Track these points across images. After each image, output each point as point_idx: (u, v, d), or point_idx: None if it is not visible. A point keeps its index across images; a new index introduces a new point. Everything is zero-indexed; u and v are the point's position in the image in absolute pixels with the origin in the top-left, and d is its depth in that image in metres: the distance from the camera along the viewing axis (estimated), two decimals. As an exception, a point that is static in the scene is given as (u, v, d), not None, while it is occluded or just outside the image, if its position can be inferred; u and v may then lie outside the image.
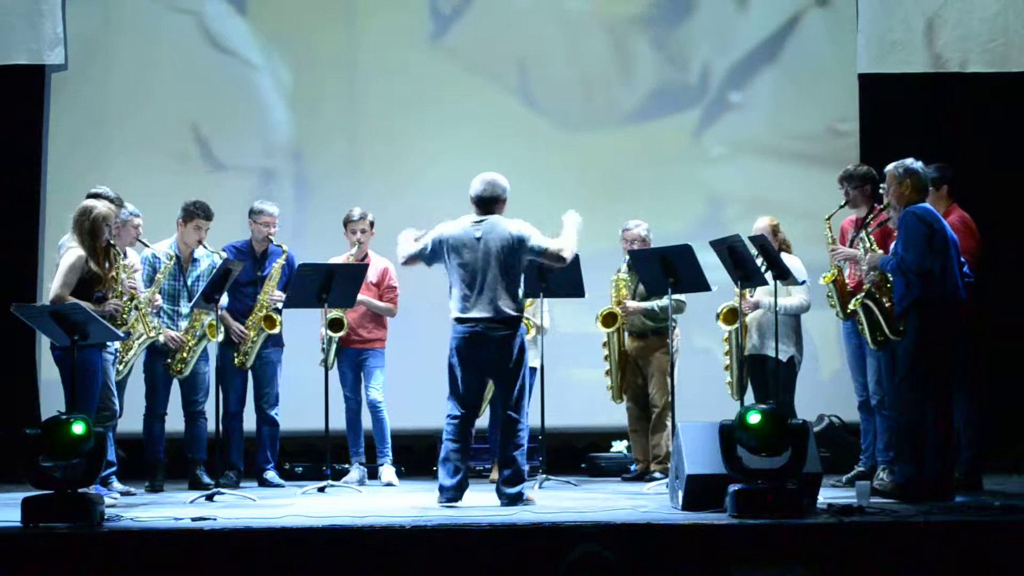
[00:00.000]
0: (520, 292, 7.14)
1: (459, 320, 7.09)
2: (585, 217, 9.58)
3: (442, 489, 7.08)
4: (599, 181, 9.88)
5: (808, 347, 8.50)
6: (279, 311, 8.54)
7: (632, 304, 8.59)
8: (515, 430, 7.11)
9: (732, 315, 8.21)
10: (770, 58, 10.04)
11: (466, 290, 7.06)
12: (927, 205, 7.15)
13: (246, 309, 8.55)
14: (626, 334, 8.72)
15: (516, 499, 7.02)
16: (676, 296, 8.20)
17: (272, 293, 8.50)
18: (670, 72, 10.06)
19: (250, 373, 8.63)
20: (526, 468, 7.18)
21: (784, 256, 8.13)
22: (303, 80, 10.05)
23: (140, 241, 8.19)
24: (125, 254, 7.74)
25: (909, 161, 7.17)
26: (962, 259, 7.20)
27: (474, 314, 7.04)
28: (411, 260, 7.34)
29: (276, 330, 8.53)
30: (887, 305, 7.35)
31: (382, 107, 9.96)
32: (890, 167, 7.21)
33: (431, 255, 7.20)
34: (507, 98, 9.97)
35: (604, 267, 8.77)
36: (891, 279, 7.29)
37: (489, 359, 7.08)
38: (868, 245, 7.46)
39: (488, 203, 7.17)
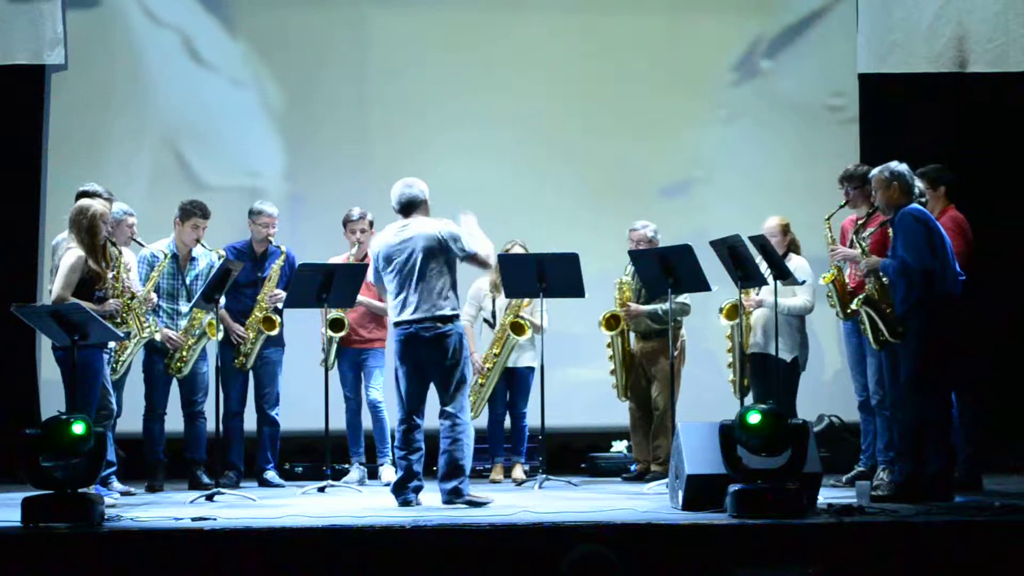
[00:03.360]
0: (453, 289, 7.13)
1: (396, 324, 7.14)
2: (590, 217, 9.68)
3: (393, 494, 7.14)
4: (604, 181, 9.88)
5: (809, 347, 8.48)
6: (279, 311, 8.54)
7: (636, 307, 8.58)
8: (452, 425, 7.08)
9: (735, 311, 8.19)
10: (774, 60, 10.07)
11: (399, 293, 7.10)
12: (918, 206, 7.14)
13: (246, 310, 8.55)
14: (631, 335, 8.71)
15: (453, 494, 6.99)
16: (680, 298, 8.19)
17: (272, 293, 8.50)
18: (673, 72, 10.06)
19: (251, 373, 8.63)
20: (467, 463, 7.09)
21: (792, 256, 8.14)
22: (308, 84, 10.04)
23: (135, 240, 8.18)
24: (120, 252, 7.72)
25: (894, 164, 7.16)
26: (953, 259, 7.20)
27: (407, 316, 7.07)
28: (378, 287, 7.37)
29: (275, 332, 8.53)
30: (887, 310, 7.33)
31: (387, 108, 9.96)
32: (875, 172, 7.21)
33: (376, 275, 7.26)
34: (511, 97, 9.96)
35: (610, 268, 8.76)
36: (886, 282, 7.28)
37: (425, 359, 7.09)
38: (862, 251, 7.43)
39: (408, 208, 7.20)
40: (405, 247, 7.10)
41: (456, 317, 7.13)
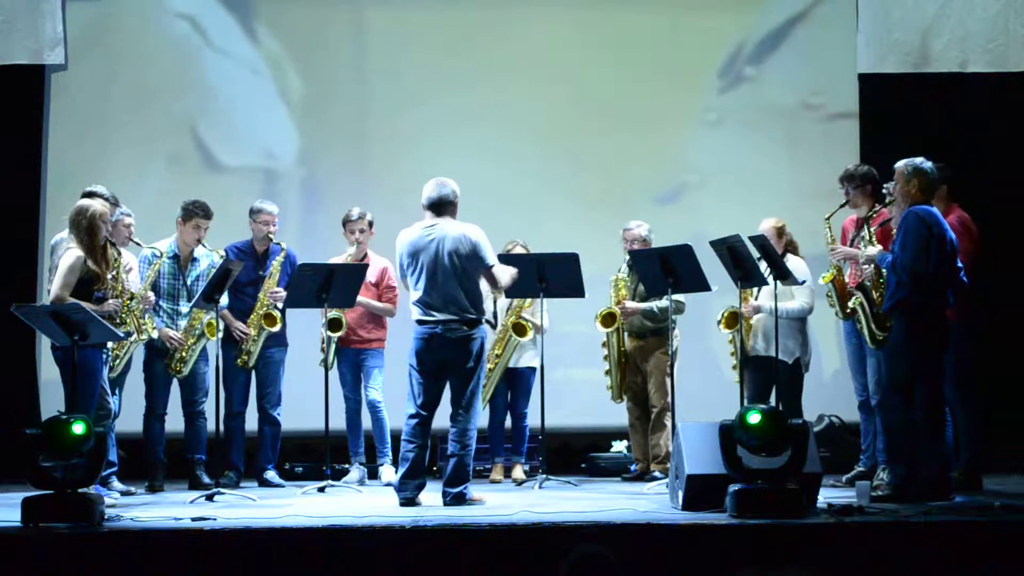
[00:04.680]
0: (479, 293, 7.18)
1: (420, 322, 7.15)
2: (589, 215, 9.68)
3: (397, 489, 7.14)
4: (604, 181, 9.88)
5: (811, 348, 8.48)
6: (280, 309, 8.54)
7: (631, 304, 8.59)
8: (463, 430, 7.13)
9: (733, 319, 8.19)
10: (773, 59, 10.06)
11: (425, 292, 7.11)
12: (930, 207, 7.13)
13: (247, 309, 8.55)
14: (625, 334, 8.72)
15: (459, 499, 7.05)
16: (675, 297, 8.19)
17: (272, 291, 8.50)
18: (673, 71, 10.06)
19: (253, 372, 8.63)
20: (471, 468, 7.20)
21: (790, 257, 8.13)
22: (308, 82, 10.04)
23: (133, 241, 8.18)
24: (119, 253, 7.72)
25: (919, 160, 7.15)
26: (959, 264, 7.18)
27: (433, 316, 7.08)
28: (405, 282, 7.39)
29: (277, 328, 8.52)
30: (877, 301, 7.36)
31: (387, 107, 9.96)
32: (899, 164, 7.19)
33: (402, 271, 7.27)
34: (510, 96, 9.95)
35: (609, 268, 8.75)
36: (885, 276, 7.30)
37: (446, 360, 7.11)
38: (868, 239, 7.45)
39: (440, 206, 7.22)
40: (432, 245, 7.11)
41: (480, 322, 7.16)
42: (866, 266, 7.47)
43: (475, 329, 7.12)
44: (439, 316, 7.07)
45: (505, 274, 7.27)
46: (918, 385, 7.00)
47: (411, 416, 7.16)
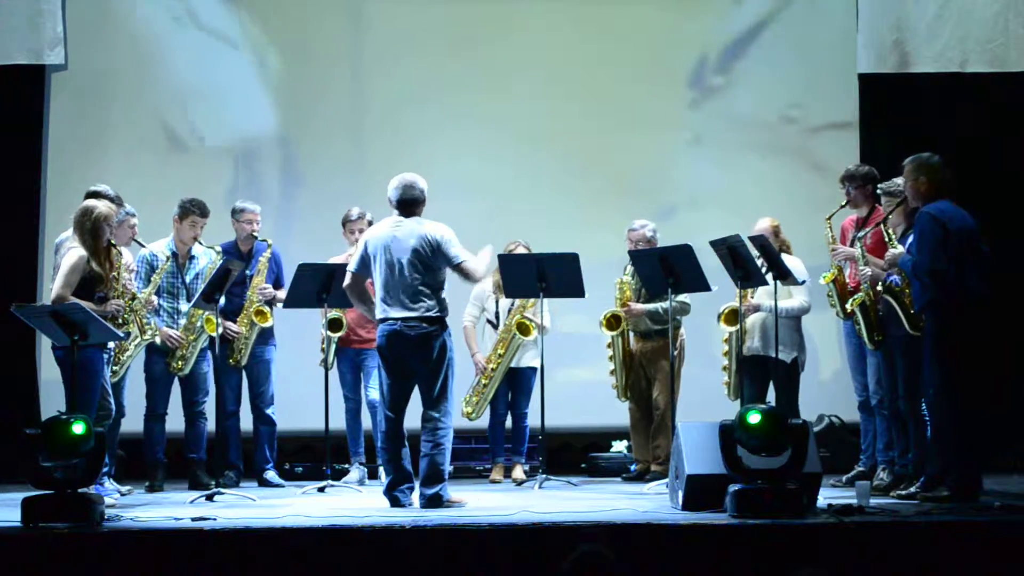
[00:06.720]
0: (442, 292, 7.10)
1: (381, 320, 7.11)
2: (590, 216, 9.67)
3: (385, 493, 7.12)
4: (603, 180, 9.87)
5: (808, 347, 8.49)
6: (270, 306, 8.53)
7: (637, 306, 8.58)
8: (434, 428, 7.06)
9: (734, 316, 8.18)
10: (774, 58, 10.07)
11: (386, 290, 7.06)
12: (943, 203, 7.09)
13: (236, 308, 8.53)
14: (631, 335, 8.71)
15: (435, 500, 6.96)
16: (680, 297, 8.19)
17: (261, 287, 8.50)
18: (673, 71, 10.06)
19: (244, 372, 8.62)
20: (446, 468, 7.10)
21: (785, 257, 8.12)
22: (305, 78, 10.05)
23: (136, 241, 8.18)
24: (120, 253, 7.72)
25: (925, 156, 7.13)
26: (985, 248, 7.12)
27: (393, 313, 7.04)
28: (352, 280, 7.27)
29: (268, 323, 8.51)
30: (908, 302, 7.30)
31: (384, 105, 9.97)
32: (906, 162, 7.19)
33: (363, 265, 7.20)
34: (509, 94, 9.94)
35: (609, 268, 8.75)
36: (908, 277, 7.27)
37: (409, 357, 7.06)
38: (890, 240, 7.38)
39: (407, 205, 7.17)
40: (398, 245, 7.07)
41: (442, 319, 7.09)
42: (891, 271, 7.38)
43: (435, 327, 7.03)
44: (399, 314, 7.03)
45: (478, 265, 7.17)
46: (942, 383, 6.94)
47: (383, 420, 7.15)
